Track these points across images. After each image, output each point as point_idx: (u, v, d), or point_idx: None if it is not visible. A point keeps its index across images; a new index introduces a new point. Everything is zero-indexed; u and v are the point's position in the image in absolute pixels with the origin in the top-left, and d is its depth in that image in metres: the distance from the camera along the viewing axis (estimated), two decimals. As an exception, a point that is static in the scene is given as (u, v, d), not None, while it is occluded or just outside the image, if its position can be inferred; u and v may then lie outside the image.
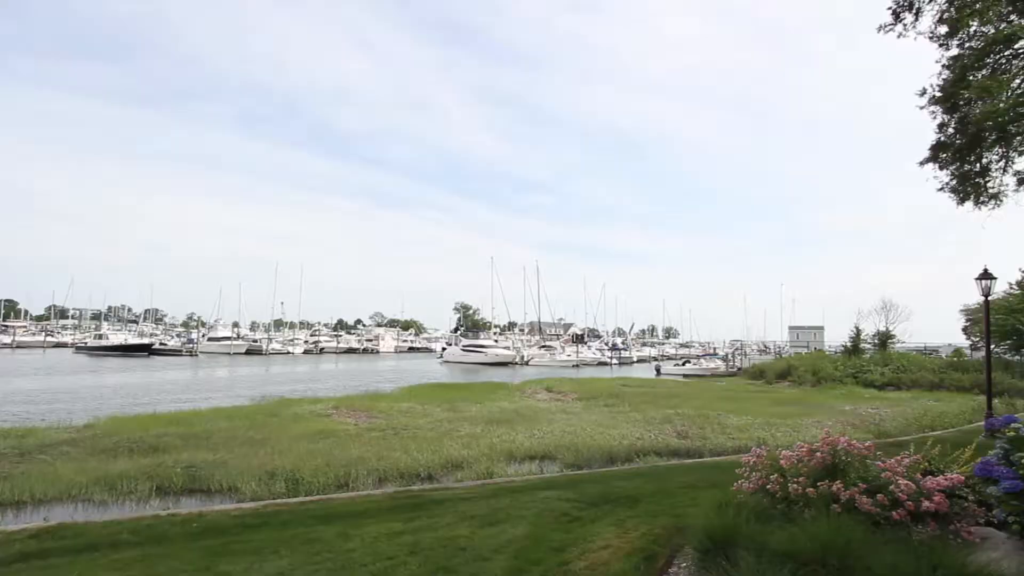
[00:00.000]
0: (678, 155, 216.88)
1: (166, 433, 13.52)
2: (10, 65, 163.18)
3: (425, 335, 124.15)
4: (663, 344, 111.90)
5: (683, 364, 53.33)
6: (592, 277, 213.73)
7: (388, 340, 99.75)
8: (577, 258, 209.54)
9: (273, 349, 78.62)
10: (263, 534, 5.28)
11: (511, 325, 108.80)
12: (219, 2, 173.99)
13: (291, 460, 10.70)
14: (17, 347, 78.85)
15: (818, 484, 4.49)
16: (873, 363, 33.42)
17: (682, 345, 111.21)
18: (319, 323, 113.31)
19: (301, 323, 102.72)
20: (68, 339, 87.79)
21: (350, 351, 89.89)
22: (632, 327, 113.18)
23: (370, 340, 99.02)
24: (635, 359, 77.32)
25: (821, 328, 66.66)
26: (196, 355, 68.62)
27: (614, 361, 71.17)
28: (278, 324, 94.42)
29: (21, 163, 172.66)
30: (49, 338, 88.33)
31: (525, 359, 66.99)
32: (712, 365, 49.12)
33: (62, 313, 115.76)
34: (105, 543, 4.89)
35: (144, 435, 13.23)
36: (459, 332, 77.38)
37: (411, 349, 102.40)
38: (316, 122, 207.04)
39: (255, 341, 79.75)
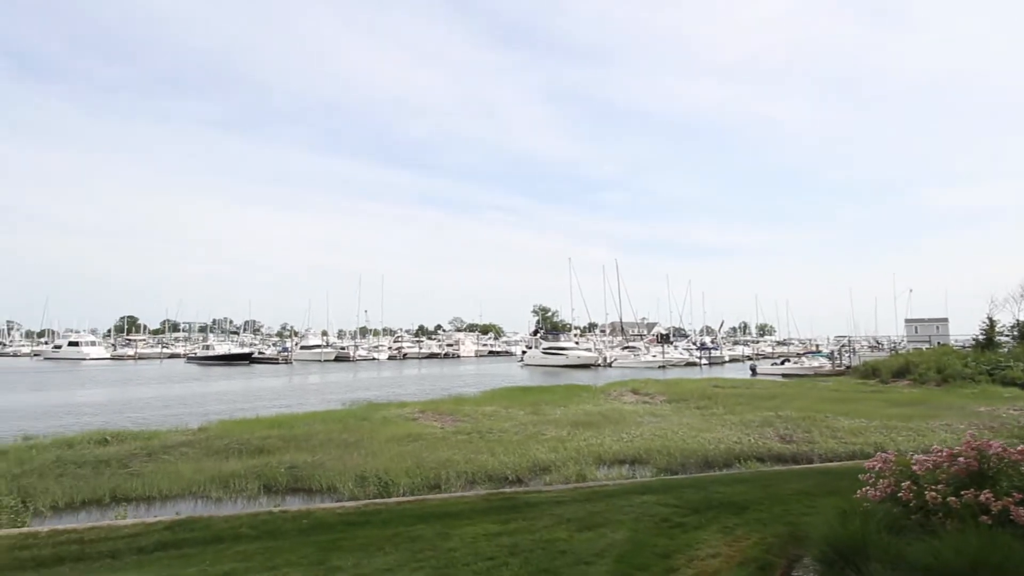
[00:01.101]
0: (761, 142, 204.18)
1: (269, 436, 14.63)
2: (119, 100, 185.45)
3: (504, 339, 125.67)
4: (757, 342, 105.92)
5: (782, 363, 50.09)
6: (674, 274, 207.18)
7: (468, 344, 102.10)
8: (657, 255, 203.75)
9: (360, 356, 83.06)
10: (367, 531, 5.60)
11: (591, 326, 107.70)
12: (284, 29, 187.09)
13: (383, 462, 11.21)
14: (139, 358, 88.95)
15: (962, 493, 4.05)
16: (1013, 358, 29.58)
17: (779, 343, 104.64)
18: (401, 330, 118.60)
19: (384, 330, 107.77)
20: (180, 350, 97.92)
21: (432, 356, 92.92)
22: (722, 325, 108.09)
23: (450, 345, 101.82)
24: (727, 359, 73.73)
25: (945, 320, 60.16)
26: (291, 363, 73.97)
27: (703, 361, 68.28)
28: (363, 332, 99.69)
29: (139, 191, 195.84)
30: (164, 350, 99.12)
31: (608, 361, 65.90)
32: (815, 364, 45.72)
33: (174, 327, 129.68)
34: (229, 536, 5.43)
35: (250, 437, 14.41)
36: (539, 335, 77.62)
37: (491, 353, 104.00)
38: (386, 134, 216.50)
39: (343, 348, 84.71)
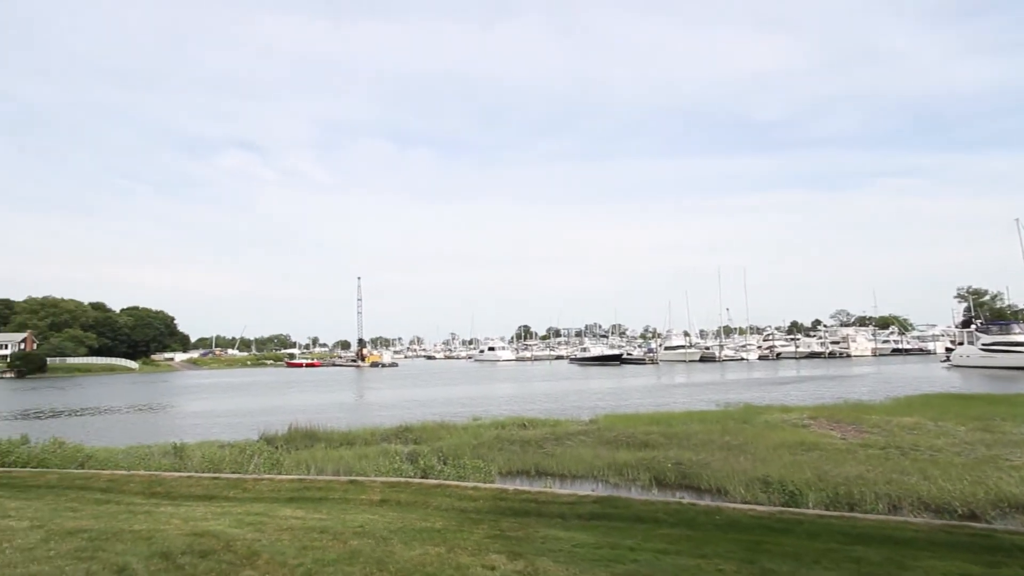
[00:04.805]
0: None
1: (651, 431, 15.55)
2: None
3: (914, 333, 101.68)
4: None
5: None
6: None
7: (861, 341, 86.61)
8: None
9: (726, 356, 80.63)
10: (791, 540, 5.27)
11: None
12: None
13: (775, 469, 10.47)
14: (534, 360, 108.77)
15: None
16: None
17: None
18: (769, 327, 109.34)
19: (750, 328, 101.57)
20: (563, 352, 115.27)
21: (812, 356, 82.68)
22: None
23: (836, 342, 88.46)
24: None
25: None
26: (657, 363, 77.57)
27: None
28: (726, 331, 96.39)
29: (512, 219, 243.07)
30: (551, 352, 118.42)
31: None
32: None
33: (556, 332, 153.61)
34: (648, 518, 5.97)
35: (634, 431, 15.62)
36: (972, 326, 59.01)
37: (894, 351, 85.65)
38: (727, 125, 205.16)
39: (707, 348, 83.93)
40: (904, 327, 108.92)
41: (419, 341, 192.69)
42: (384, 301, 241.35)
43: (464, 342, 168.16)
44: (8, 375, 78.66)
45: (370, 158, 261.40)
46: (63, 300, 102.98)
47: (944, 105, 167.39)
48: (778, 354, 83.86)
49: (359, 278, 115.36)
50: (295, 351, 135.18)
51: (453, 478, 9.16)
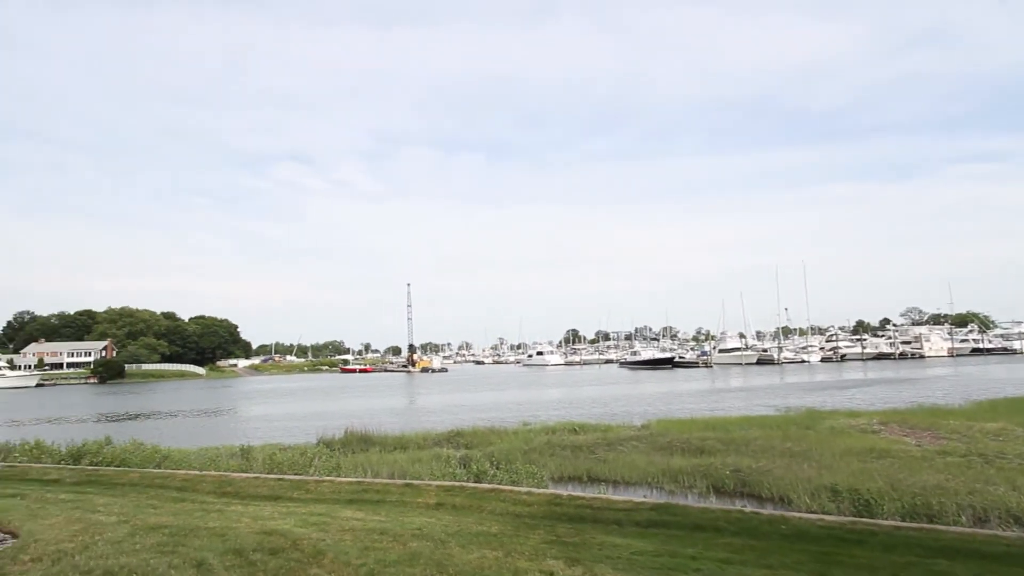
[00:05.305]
0: None
1: (707, 437, 15.13)
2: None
3: (996, 331, 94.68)
4: None
5: None
6: None
7: (936, 341, 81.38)
8: None
9: (785, 358, 77.43)
10: (865, 552, 5.00)
11: None
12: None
13: (843, 478, 10.00)
14: (583, 364, 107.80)
15: None
16: None
17: None
18: (832, 327, 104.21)
19: (811, 328, 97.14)
20: (612, 356, 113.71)
21: (880, 357, 78.30)
22: None
23: (907, 342, 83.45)
24: None
25: None
26: (711, 366, 75.39)
27: None
28: (785, 332, 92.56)
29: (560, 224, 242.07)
30: (600, 356, 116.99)
31: None
32: None
33: (605, 336, 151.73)
34: (708, 526, 5.82)
35: (689, 437, 15.24)
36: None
37: (974, 351, 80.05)
38: (787, 110, 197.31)
39: (765, 350, 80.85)
40: (985, 325, 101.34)
41: (468, 346, 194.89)
42: (433, 307, 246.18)
43: (512, 347, 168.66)
44: (91, 380, 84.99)
45: (417, 166, 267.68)
46: (138, 310, 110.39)
47: (1021, 83, 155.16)
48: (843, 356, 79.79)
49: (408, 285, 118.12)
50: (348, 357, 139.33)
51: (506, 483, 9.22)
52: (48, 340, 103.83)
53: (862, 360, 76.51)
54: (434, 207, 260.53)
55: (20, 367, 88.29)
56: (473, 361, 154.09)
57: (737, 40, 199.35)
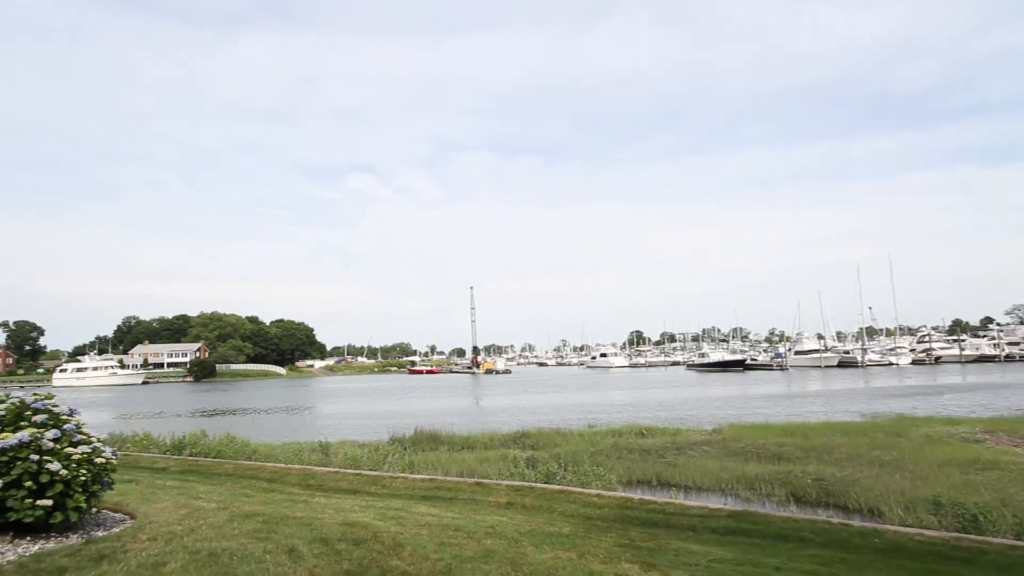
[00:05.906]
0: None
1: (784, 443, 14.42)
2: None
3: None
4: None
5: None
6: None
7: (1048, 342, 73.52)
8: None
9: (870, 361, 72.28)
10: (974, 572, 4.59)
11: None
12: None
13: (942, 490, 9.25)
14: (648, 366, 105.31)
15: None
16: None
17: None
18: (925, 327, 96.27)
19: (899, 328, 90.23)
20: (679, 358, 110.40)
21: (981, 359, 71.55)
22: None
23: (1014, 343, 75.81)
24: None
25: None
26: (786, 369, 71.58)
27: None
28: (869, 332, 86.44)
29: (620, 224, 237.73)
30: (666, 358, 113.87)
31: None
32: None
33: (671, 338, 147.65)
34: (792, 536, 5.55)
35: (765, 443, 14.58)
36: None
37: (1094, 354, 71.53)
38: (866, 94, 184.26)
39: (847, 352, 75.88)
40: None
41: (530, 348, 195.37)
42: (496, 309, 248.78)
43: (575, 348, 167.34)
44: (188, 379, 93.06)
45: (476, 170, 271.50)
46: (226, 315, 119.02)
47: None
48: (937, 358, 73.53)
49: (471, 288, 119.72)
50: (415, 359, 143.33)
51: (575, 484, 9.19)
52: (151, 342, 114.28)
53: (960, 363, 70.23)
54: (494, 211, 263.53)
55: (128, 366, 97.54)
56: (536, 363, 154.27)
57: (811, 23, 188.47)
